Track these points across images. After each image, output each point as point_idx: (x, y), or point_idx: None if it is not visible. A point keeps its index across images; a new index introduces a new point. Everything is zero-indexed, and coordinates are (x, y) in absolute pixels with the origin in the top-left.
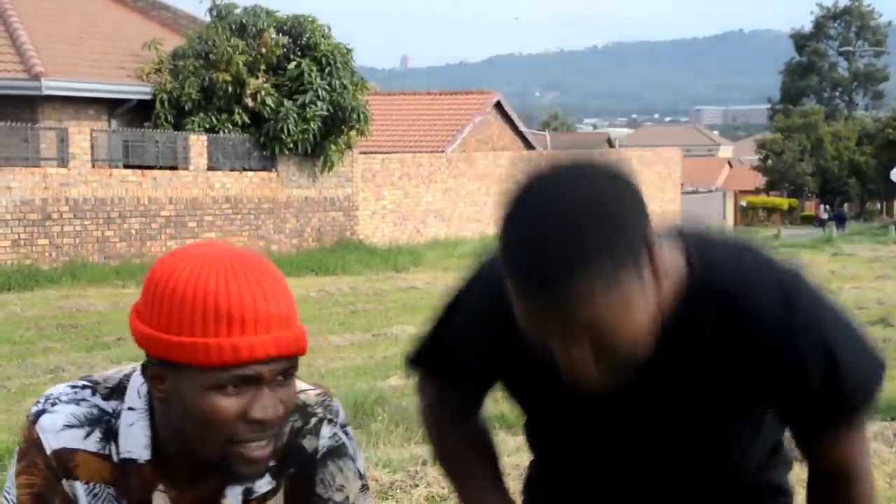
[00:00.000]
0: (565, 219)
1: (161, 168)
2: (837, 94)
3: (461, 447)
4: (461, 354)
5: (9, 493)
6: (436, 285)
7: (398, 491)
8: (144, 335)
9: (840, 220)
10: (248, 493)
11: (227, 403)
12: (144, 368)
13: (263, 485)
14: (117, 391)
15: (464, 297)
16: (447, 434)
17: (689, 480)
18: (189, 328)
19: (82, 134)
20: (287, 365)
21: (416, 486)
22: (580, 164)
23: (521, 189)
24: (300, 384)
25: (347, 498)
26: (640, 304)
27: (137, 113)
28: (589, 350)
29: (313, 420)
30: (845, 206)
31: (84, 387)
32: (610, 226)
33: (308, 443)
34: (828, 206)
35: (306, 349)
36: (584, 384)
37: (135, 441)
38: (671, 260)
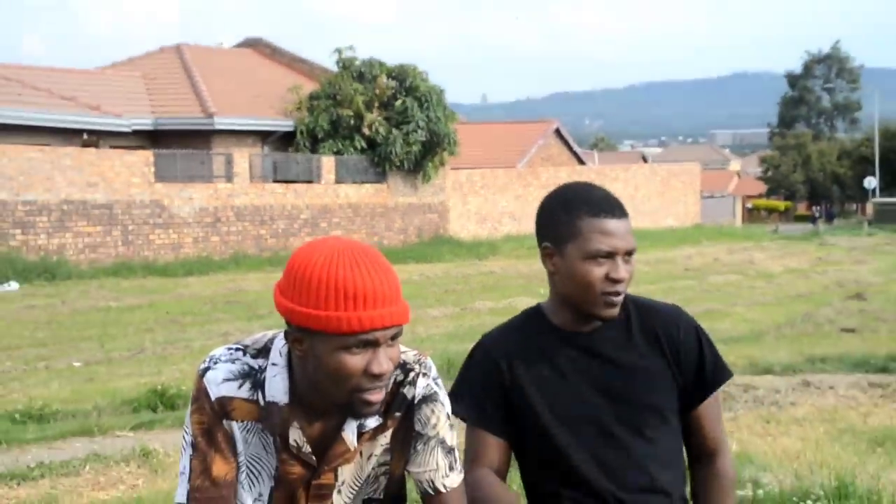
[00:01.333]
0: (606, 189)
1: (300, 182)
2: (822, 120)
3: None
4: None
5: (187, 428)
6: (509, 270)
7: None
8: (288, 309)
9: (830, 217)
10: (360, 428)
11: (353, 361)
12: (287, 334)
13: (372, 423)
14: (263, 351)
15: (473, 366)
16: (497, 484)
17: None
18: (325, 304)
19: (243, 157)
20: (396, 331)
21: None
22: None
23: (563, 185)
24: (402, 347)
25: (438, 433)
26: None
27: (283, 141)
28: (628, 272)
29: (411, 374)
30: (834, 207)
31: (237, 349)
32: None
33: (407, 391)
34: (820, 207)
35: (409, 319)
36: (615, 304)
37: (276, 389)
38: None
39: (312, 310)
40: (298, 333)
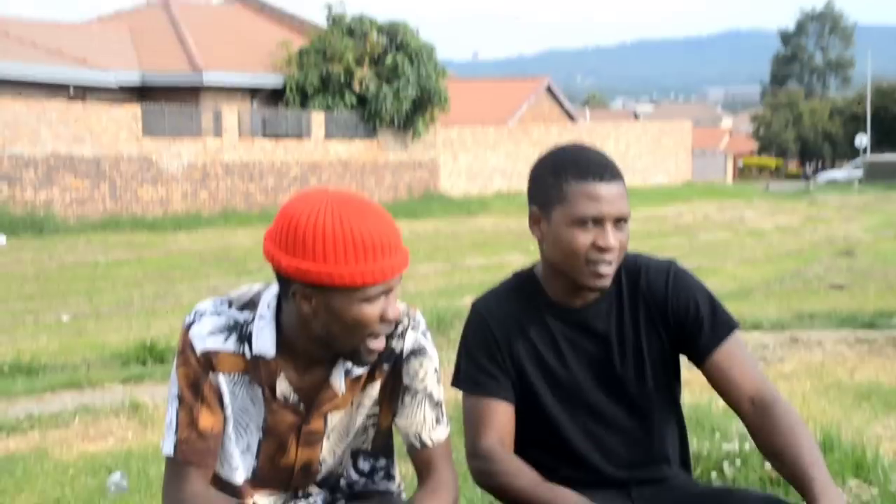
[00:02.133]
0: (599, 152)
1: (290, 138)
2: (814, 78)
3: (528, 468)
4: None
5: (173, 381)
6: (499, 227)
7: None
8: (298, 268)
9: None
10: (347, 374)
11: (372, 310)
12: (292, 293)
13: (359, 370)
14: (249, 305)
15: (473, 334)
16: (513, 460)
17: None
18: (344, 259)
19: (232, 113)
20: (401, 274)
21: None
22: None
23: (555, 147)
24: None
25: (426, 387)
26: (629, 228)
27: (272, 97)
28: (618, 240)
29: (400, 328)
30: (826, 165)
31: (223, 302)
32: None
33: (396, 344)
34: (812, 165)
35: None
36: (603, 275)
37: (264, 342)
38: None
39: (332, 267)
40: (309, 291)
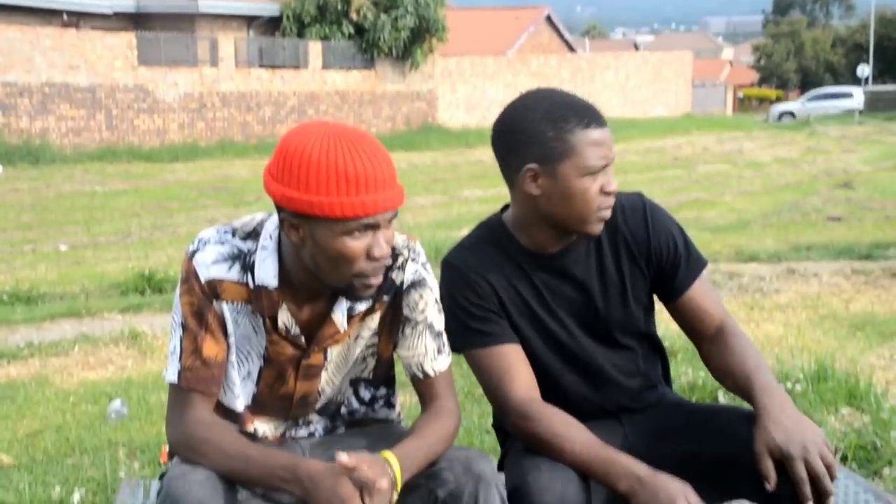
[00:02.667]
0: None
1: (287, 68)
2: (817, 6)
3: (575, 424)
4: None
5: (176, 309)
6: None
7: None
8: (285, 196)
9: None
10: (350, 311)
11: (355, 245)
12: (282, 220)
13: (362, 305)
14: (252, 234)
15: (458, 290)
16: (557, 418)
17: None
18: (326, 190)
19: (228, 42)
20: (393, 214)
21: None
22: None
23: (530, 97)
24: None
25: (426, 318)
26: None
27: (269, 25)
28: (615, 183)
29: (400, 259)
30: None
31: (226, 231)
32: None
33: (396, 276)
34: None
35: (404, 201)
36: (607, 219)
37: (266, 272)
38: None
39: (314, 196)
40: (296, 220)
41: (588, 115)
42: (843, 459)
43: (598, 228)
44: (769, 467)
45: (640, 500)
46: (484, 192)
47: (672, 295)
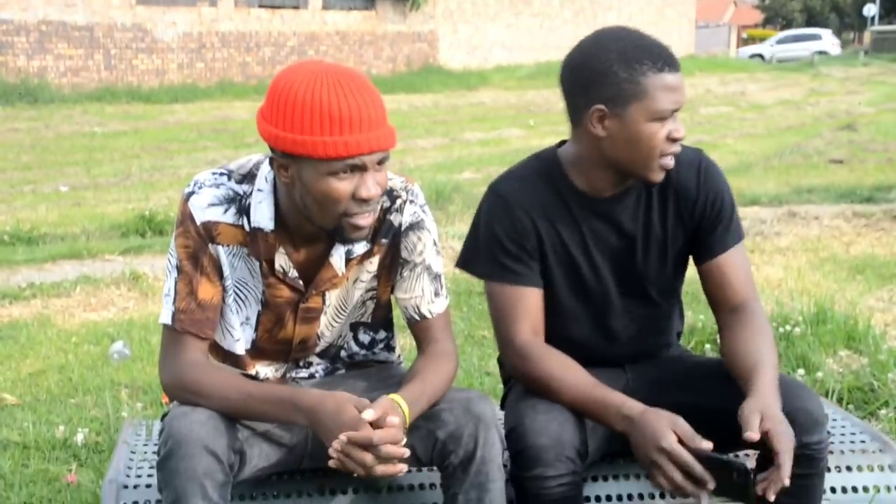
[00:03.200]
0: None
1: (287, 8)
2: None
3: (573, 366)
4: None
5: (172, 252)
6: (499, 101)
7: None
8: (272, 134)
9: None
10: (348, 254)
11: (341, 185)
12: (272, 160)
13: (360, 248)
14: (248, 177)
15: (498, 219)
16: (555, 359)
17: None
18: (310, 129)
19: None
20: (383, 156)
21: None
22: None
23: (604, 35)
24: (389, 174)
25: (424, 260)
26: None
27: None
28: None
29: (399, 201)
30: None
31: (222, 174)
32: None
33: (395, 218)
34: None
35: (395, 143)
36: (669, 167)
37: (262, 215)
38: None
39: (297, 135)
40: (284, 160)
41: (663, 58)
42: (840, 401)
43: (659, 176)
44: (754, 423)
45: (634, 438)
46: (485, 135)
47: (702, 256)
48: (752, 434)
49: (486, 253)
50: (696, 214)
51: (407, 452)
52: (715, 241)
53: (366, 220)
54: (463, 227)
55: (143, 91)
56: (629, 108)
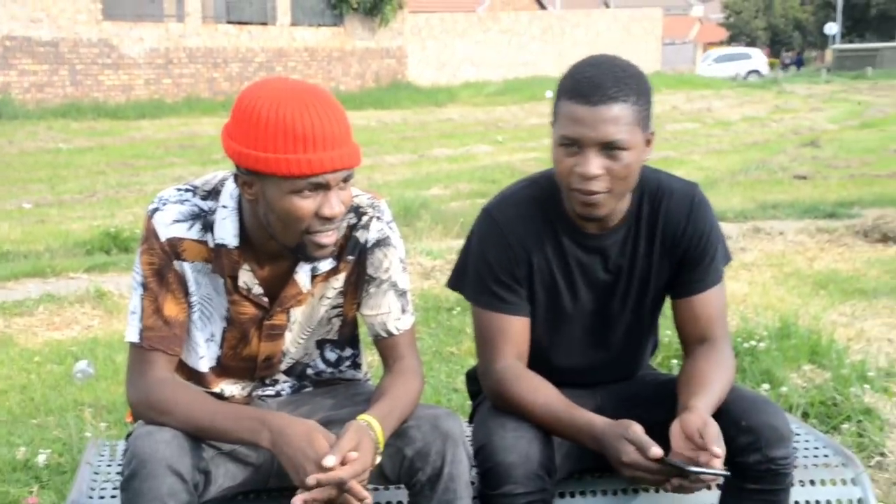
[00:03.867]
0: (615, 69)
1: (255, 24)
2: None
3: (544, 385)
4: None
5: (137, 269)
6: (467, 117)
7: (437, 273)
8: (237, 151)
9: (799, 64)
10: (314, 271)
11: (304, 203)
12: (237, 177)
13: (326, 265)
14: (213, 193)
15: (492, 246)
16: (528, 379)
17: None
18: (273, 146)
19: None
20: (347, 174)
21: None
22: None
23: (584, 59)
24: (355, 191)
25: (391, 276)
26: (634, 156)
27: None
28: (601, 167)
29: (365, 218)
30: (803, 54)
31: (187, 190)
32: (643, 94)
33: (361, 235)
34: (790, 54)
35: (360, 161)
36: (589, 203)
37: (226, 231)
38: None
39: (261, 152)
40: (248, 177)
41: (580, 90)
42: (805, 415)
43: (582, 211)
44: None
45: (606, 454)
46: (453, 151)
47: (680, 292)
48: (655, 451)
49: (476, 278)
50: (679, 249)
51: (369, 499)
52: (694, 280)
53: (329, 238)
54: (431, 243)
55: (109, 107)
56: (553, 130)
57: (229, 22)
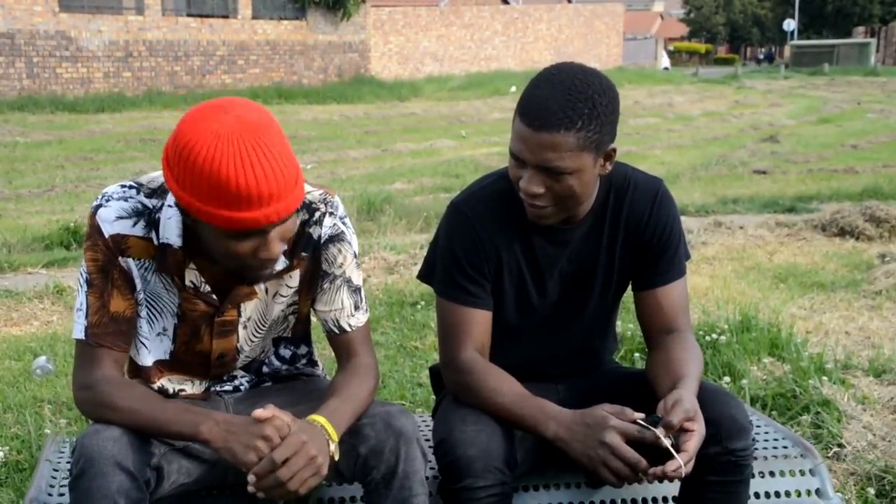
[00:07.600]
0: (571, 90)
1: (216, 17)
2: None
3: (508, 379)
4: (475, 279)
5: (83, 266)
6: (430, 112)
7: (401, 268)
8: (174, 189)
9: (770, 59)
10: None
11: (241, 246)
12: (176, 202)
13: (279, 265)
14: (158, 192)
15: (460, 239)
16: (492, 373)
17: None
18: (208, 200)
19: None
20: (286, 217)
21: (415, 264)
22: (587, 68)
23: (547, 69)
24: (307, 187)
25: (345, 272)
26: (579, 179)
27: None
28: (542, 186)
29: (317, 214)
30: (773, 49)
31: (131, 187)
32: (596, 117)
33: (314, 231)
34: (762, 49)
35: (302, 200)
36: (537, 215)
37: (171, 231)
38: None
39: (196, 201)
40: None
41: (527, 112)
42: (764, 407)
43: (531, 216)
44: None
45: (572, 442)
46: (416, 146)
47: (642, 284)
48: (633, 413)
49: (443, 270)
50: (643, 241)
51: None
52: (656, 272)
53: (268, 269)
54: (394, 237)
55: (67, 100)
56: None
57: (190, 15)
